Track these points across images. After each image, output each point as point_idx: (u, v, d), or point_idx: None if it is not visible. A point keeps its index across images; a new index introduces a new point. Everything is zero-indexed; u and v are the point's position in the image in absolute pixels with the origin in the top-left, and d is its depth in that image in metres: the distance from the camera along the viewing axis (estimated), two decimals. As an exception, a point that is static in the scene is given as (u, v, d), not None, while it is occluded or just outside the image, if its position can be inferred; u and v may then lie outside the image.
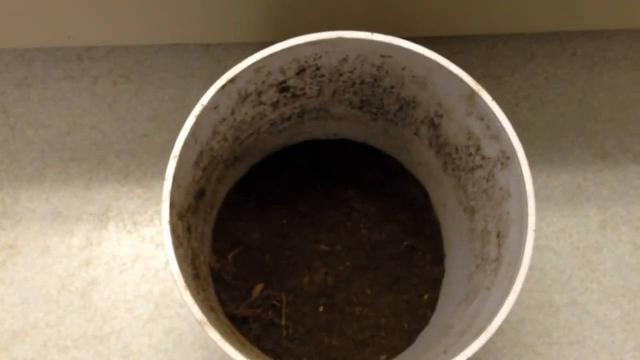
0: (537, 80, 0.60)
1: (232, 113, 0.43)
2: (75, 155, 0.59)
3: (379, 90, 0.46)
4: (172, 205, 0.38)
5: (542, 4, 0.56)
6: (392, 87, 0.45)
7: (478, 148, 0.42)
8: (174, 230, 0.38)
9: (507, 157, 0.39)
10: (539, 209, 0.57)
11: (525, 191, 0.37)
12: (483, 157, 0.42)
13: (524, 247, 0.36)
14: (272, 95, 0.44)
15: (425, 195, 0.53)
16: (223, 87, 0.39)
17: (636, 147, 0.59)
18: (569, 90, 0.60)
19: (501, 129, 0.39)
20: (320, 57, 0.42)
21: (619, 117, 0.59)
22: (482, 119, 0.41)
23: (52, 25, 0.57)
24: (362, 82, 0.45)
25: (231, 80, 0.39)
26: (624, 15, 0.59)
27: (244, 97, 0.42)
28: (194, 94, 0.60)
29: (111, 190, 0.58)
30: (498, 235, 0.41)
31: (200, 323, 0.36)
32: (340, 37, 0.39)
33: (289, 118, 0.48)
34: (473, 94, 0.39)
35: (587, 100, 0.60)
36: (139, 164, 0.59)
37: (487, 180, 0.43)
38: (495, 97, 0.55)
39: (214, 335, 0.36)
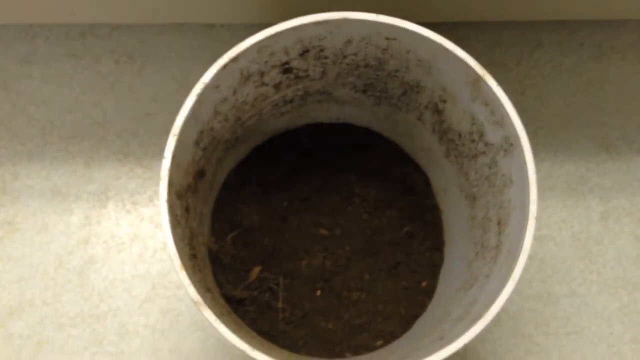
0: (543, 69, 0.59)
1: (234, 93, 0.42)
2: (76, 133, 0.58)
3: (383, 74, 0.45)
4: (171, 184, 0.38)
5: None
6: (396, 70, 0.44)
7: (481, 134, 0.42)
8: (171, 209, 0.38)
9: (511, 144, 0.39)
10: (541, 198, 0.56)
11: (527, 178, 0.37)
12: (486, 144, 0.42)
13: (524, 235, 0.36)
14: (275, 76, 0.44)
15: (427, 182, 0.53)
16: (225, 66, 0.39)
17: (641, 139, 0.58)
18: (576, 80, 0.59)
19: (505, 114, 0.38)
20: (325, 38, 0.42)
21: (625, 108, 0.59)
22: (486, 105, 0.40)
23: (55, 1, 0.57)
24: (366, 65, 0.45)
25: (233, 59, 0.39)
26: (633, 5, 0.58)
27: (246, 77, 0.42)
28: (197, 74, 0.59)
29: (111, 169, 0.58)
30: (499, 223, 0.41)
31: (195, 303, 0.36)
32: (345, 17, 0.38)
33: (292, 100, 0.48)
34: (478, 79, 0.39)
35: (593, 91, 0.59)
36: (140, 143, 0.58)
37: (490, 167, 0.42)
38: (500, 85, 0.54)
39: (209, 315, 0.36)
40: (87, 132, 0.58)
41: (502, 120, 0.39)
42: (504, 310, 0.54)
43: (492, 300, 0.36)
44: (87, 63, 0.60)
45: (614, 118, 0.59)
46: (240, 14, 0.59)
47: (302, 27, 0.39)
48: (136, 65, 0.60)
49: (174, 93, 0.59)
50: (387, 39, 0.41)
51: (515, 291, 0.55)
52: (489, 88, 0.39)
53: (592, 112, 0.59)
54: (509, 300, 0.55)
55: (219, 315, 0.37)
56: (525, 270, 0.55)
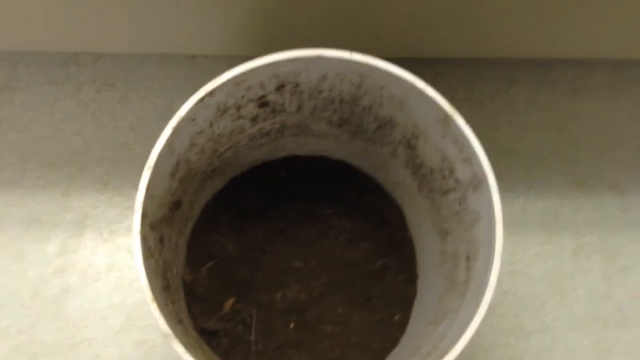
0: (518, 105, 0.60)
1: (211, 126, 0.43)
2: (55, 161, 0.58)
3: (358, 109, 0.46)
4: (145, 215, 0.38)
5: (525, 31, 0.56)
6: (370, 106, 0.45)
7: (452, 171, 0.43)
8: (144, 241, 0.38)
9: (479, 182, 0.40)
10: (514, 234, 0.57)
11: (494, 215, 0.38)
12: (456, 180, 0.43)
13: (490, 272, 0.37)
14: (251, 109, 0.45)
15: (401, 215, 0.53)
16: (202, 99, 0.39)
17: (613, 176, 0.59)
18: (550, 117, 0.60)
19: (473, 153, 0.39)
20: (300, 74, 0.43)
21: (598, 145, 0.60)
22: (456, 142, 0.41)
23: (38, 30, 0.57)
24: (341, 101, 0.46)
25: (210, 93, 0.39)
26: (606, 44, 0.59)
27: (223, 111, 0.43)
28: (178, 104, 0.60)
29: (90, 198, 0.58)
30: (467, 259, 0.41)
31: (165, 336, 0.36)
32: (320, 55, 0.39)
33: (269, 133, 0.49)
34: (447, 117, 0.40)
35: (567, 128, 0.60)
36: (120, 172, 0.58)
37: (460, 203, 0.43)
38: (476, 121, 0.55)
39: (179, 348, 0.36)
40: (67, 160, 0.58)
41: (471, 158, 0.40)
42: (477, 344, 0.55)
43: (459, 336, 0.36)
44: (69, 91, 0.60)
45: (586, 155, 0.60)
46: (222, 46, 0.60)
47: (278, 63, 0.40)
48: (118, 94, 0.60)
49: (155, 122, 0.60)
50: (360, 75, 0.42)
51: (489, 325, 0.55)
52: (458, 126, 0.40)
53: (565, 149, 0.60)
54: (482, 335, 0.56)
55: (189, 347, 0.37)
56: (499, 304, 0.56)
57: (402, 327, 0.50)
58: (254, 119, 0.46)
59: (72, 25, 0.56)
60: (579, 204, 0.58)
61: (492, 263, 0.37)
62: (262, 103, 0.44)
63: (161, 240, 0.42)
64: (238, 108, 0.43)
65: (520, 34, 0.57)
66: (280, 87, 0.43)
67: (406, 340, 0.48)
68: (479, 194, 0.40)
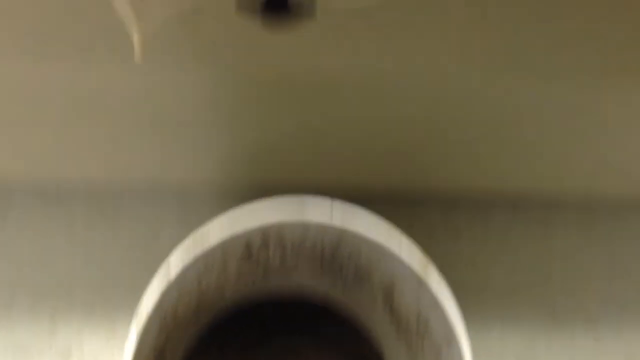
0: (492, 241, 0.62)
1: (198, 282, 0.45)
2: (43, 289, 0.59)
3: (338, 257, 0.48)
4: (132, 377, 0.39)
5: (500, 171, 0.60)
6: (349, 255, 0.48)
7: (427, 322, 0.45)
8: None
9: (452, 338, 0.42)
10: (490, 369, 0.58)
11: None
12: (431, 332, 0.45)
13: None
14: (237, 261, 0.47)
15: (380, 357, 0.54)
16: (189, 265, 0.41)
17: (585, 309, 0.61)
18: (523, 251, 0.62)
19: (447, 313, 0.41)
20: (284, 228, 0.45)
21: (570, 280, 0.61)
22: (430, 296, 0.43)
23: (30, 160, 0.60)
24: (322, 250, 0.48)
25: (198, 257, 0.42)
26: (578, 183, 0.62)
27: (210, 266, 0.45)
28: (166, 234, 0.62)
29: (76, 327, 0.58)
30: (443, 411, 0.43)
31: None
32: (302, 222, 0.42)
33: (253, 280, 0.51)
34: (421, 280, 0.42)
35: (540, 263, 0.62)
36: (106, 301, 0.59)
37: (435, 354, 0.45)
38: (452, 259, 0.58)
39: None
40: (54, 289, 0.59)
41: (445, 317, 0.42)
42: None
43: None
44: (60, 220, 0.61)
45: (559, 289, 0.61)
46: (211, 177, 0.62)
47: (264, 224, 0.42)
48: (107, 224, 0.61)
49: (143, 253, 0.61)
50: (340, 232, 0.45)
51: None
52: (432, 284, 0.42)
53: (538, 283, 0.61)
54: None
55: None
56: None
57: None
58: (239, 270, 0.48)
59: (64, 156, 0.59)
60: (552, 338, 0.60)
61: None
62: (247, 255, 0.47)
63: (146, 394, 0.43)
64: (224, 263, 0.45)
65: (493, 173, 0.60)
66: (264, 241, 0.46)
67: None
68: (452, 350, 0.42)
